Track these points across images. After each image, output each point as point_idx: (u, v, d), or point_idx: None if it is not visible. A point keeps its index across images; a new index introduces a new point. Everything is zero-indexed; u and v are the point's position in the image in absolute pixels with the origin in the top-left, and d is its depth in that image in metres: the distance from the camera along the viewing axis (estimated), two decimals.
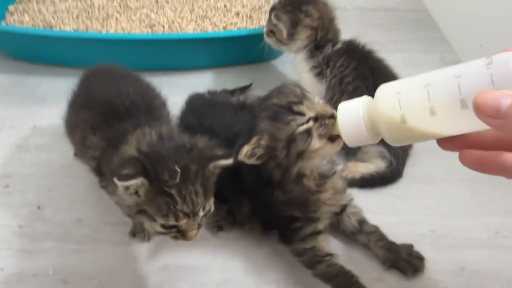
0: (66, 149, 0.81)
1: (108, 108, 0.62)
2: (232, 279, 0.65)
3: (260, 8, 1.18)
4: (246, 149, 0.57)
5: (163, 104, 0.71)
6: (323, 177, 0.65)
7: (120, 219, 0.71)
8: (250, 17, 1.15)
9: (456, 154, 0.85)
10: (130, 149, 0.53)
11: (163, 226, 0.52)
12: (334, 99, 0.85)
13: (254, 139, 0.58)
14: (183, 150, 0.53)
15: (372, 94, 0.79)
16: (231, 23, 1.11)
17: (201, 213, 0.53)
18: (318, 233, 0.66)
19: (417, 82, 0.40)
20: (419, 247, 0.69)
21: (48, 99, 0.93)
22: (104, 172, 0.61)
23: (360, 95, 0.79)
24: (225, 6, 1.18)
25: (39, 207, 0.73)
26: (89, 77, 0.72)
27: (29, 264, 0.65)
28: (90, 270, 0.65)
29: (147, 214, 0.52)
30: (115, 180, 0.49)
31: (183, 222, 0.52)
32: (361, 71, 0.83)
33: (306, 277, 0.65)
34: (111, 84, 0.67)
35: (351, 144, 0.47)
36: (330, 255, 0.64)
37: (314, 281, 0.64)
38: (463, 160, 0.41)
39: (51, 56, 1.00)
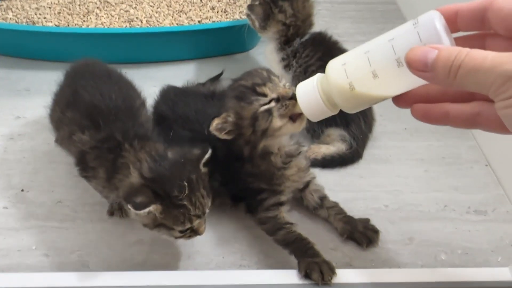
0: (48, 136, 0.86)
1: (94, 111, 0.67)
2: (200, 250, 0.71)
3: (235, 2, 1.24)
4: (216, 121, 0.65)
5: (143, 104, 0.76)
6: (289, 156, 0.71)
7: (97, 200, 0.77)
8: (225, 11, 1.20)
9: (412, 138, 0.93)
10: (134, 178, 0.60)
11: (180, 231, 0.61)
12: None
13: (222, 115, 0.65)
14: (179, 165, 0.61)
15: None
16: (206, 17, 1.17)
17: (207, 210, 0.62)
18: (280, 204, 0.72)
19: (358, 52, 0.44)
20: (373, 220, 0.75)
21: (32, 91, 0.98)
22: (87, 163, 0.67)
23: None
24: (201, 1, 1.23)
25: (22, 190, 0.78)
26: (74, 76, 0.76)
27: (14, 241, 0.71)
28: (70, 245, 0.71)
29: (166, 227, 0.61)
30: (130, 208, 0.57)
31: (196, 222, 0.61)
32: (325, 61, 0.88)
33: (267, 247, 0.72)
34: (96, 87, 0.71)
35: (313, 118, 0.51)
36: (290, 223, 0.71)
37: (274, 250, 0.71)
38: (413, 113, 0.45)
39: (34, 51, 1.05)
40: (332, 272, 0.64)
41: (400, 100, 0.45)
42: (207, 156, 0.64)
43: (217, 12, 1.20)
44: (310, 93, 0.49)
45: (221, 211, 0.77)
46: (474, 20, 0.42)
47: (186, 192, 0.58)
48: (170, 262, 0.70)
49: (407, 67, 0.39)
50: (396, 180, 0.84)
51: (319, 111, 0.49)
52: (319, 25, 0.98)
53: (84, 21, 1.13)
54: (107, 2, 1.20)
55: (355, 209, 0.78)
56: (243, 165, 0.70)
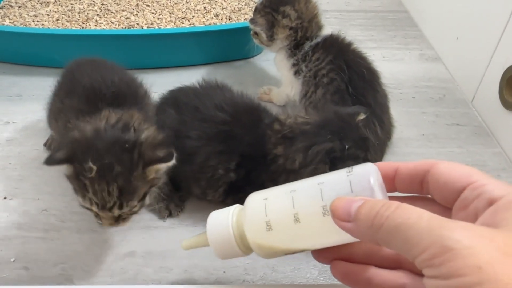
0: (38, 142, 0.81)
1: (93, 93, 0.64)
2: (199, 264, 0.63)
3: (240, 10, 1.20)
4: None
5: (146, 94, 0.73)
6: None
7: None
8: (230, 18, 1.16)
9: (430, 144, 0.85)
10: (78, 132, 0.55)
11: (83, 205, 0.55)
12: (308, 93, 0.85)
13: None
14: (118, 147, 0.53)
15: (347, 87, 0.79)
16: (210, 24, 1.12)
17: (115, 211, 0.54)
18: None
19: (284, 189, 0.39)
20: None
21: (24, 97, 0.92)
22: None
23: (335, 87, 0.80)
24: (204, 8, 1.19)
25: (5, 198, 0.71)
26: (74, 67, 0.74)
27: None
28: (54, 257, 0.63)
29: (75, 189, 0.55)
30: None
31: (94, 209, 0.54)
32: (336, 64, 0.82)
33: (273, 261, 0.64)
34: (97, 72, 0.69)
35: (221, 256, 0.43)
36: None
37: (281, 265, 0.63)
38: (333, 270, 0.40)
39: (29, 56, 1.00)
40: None
41: (320, 253, 0.40)
42: (163, 167, 0.55)
43: (221, 19, 1.15)
44: (221, 226, 0.41)
45: None
46: (413, 182, 0.38)
47: (92, 174, 0.51)
48: (165, 277, 0.62)
49: (331, 215, 0.34)
50: None
51: (228, 250, 0.41)
52: (328, 32, 0.93)
53: (83, 28, 1.09)
54: (108, 9, 1.16)
55: None
56: None
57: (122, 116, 0.58)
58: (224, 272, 0.63)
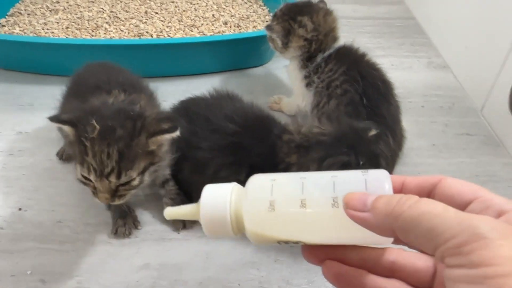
0: (50, 152, 0.81)
1: (98, 92, 0.65)
2: (213, 276, 0.64)
3: (248, 17, 1.20)
4: None
5: (152, 96, 0.75)
6: None
7: (101, 220, 0.70)
8: (238, 26, 1.16)
9: (441, 155, 0.86)
10: (87, 104, 0.59)
11: (81, 175, 0.56)
12: (321, 104, 0.84)
13: None
14: (122, 114, 0.56)
15: (361, 98, 0.79)
16: (219, 32, 1.12)
17: (112, 179, 0.55)
18: None
19: (294, 175, 0.38)
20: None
21: (35, 106, 0.93)
22: None
23: (349, 99, 0.80)
24: (213, 16, 1.19)
25: (20, 209, 0.72)
26: (82, 70, 0.77)
27: (7, 264, 0.64)
28: (69, 270, 0.64)
29: (75, 157, 0.57)
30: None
31: (92, 177, 0.55)
32: (350, 75, 0.82)
33: (288, 273, 0.64)
34: (102, 73, 0.72)
35: (210, 233, 0.39)
36: None
37: (297, 277, 0.63)
38: (325, 270, 0.38)
39: (40, 65, 1.00)
40: None
41: (312, 251, 0.38)
42: (167, 137, 0.58)
43: (230, 27, 1.15)
44: (219, 202, 0.38)
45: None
46: (420, 194, 0.36)
47: (94, 134, 0.54)
48: None
49: (343, 206, 0.33)
50: None
51: (220, 228, 0.38)
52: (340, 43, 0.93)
53: (92, 35, 1.09)
54: (117, 17, 1.17)
55: None
56: None
57: (130, 95, 0.62)
58: (239, 285, 0.63)
